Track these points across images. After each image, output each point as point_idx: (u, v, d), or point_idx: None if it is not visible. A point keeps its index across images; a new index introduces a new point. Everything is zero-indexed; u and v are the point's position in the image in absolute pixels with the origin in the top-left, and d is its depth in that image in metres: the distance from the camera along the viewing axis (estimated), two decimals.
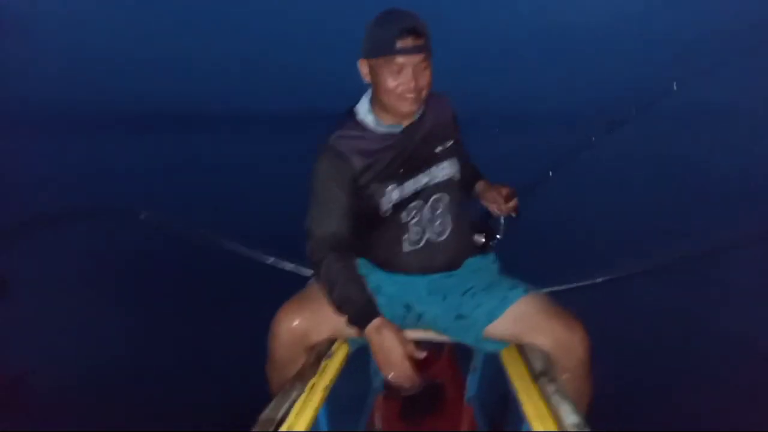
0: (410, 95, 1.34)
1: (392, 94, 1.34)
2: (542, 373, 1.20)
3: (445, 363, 1.85)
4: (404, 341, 1.24)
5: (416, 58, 1.30)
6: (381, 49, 1.30)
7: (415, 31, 1.28)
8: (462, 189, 1.60)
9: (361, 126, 1.43)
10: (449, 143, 1.50)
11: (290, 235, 1.62)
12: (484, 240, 1.68)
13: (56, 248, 3.81)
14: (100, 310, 2.97)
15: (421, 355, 1.24)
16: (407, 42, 1.28)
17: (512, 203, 1.61)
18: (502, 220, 1.70)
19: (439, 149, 1.47)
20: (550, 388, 1.14)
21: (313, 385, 1.21)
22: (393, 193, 1.42)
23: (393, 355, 1.22)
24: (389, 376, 1.23)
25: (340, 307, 1.29)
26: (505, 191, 1.61)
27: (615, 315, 2.81)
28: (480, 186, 1.68)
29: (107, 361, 2.45)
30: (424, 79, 1.35)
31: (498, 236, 1.70)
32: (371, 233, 1.47)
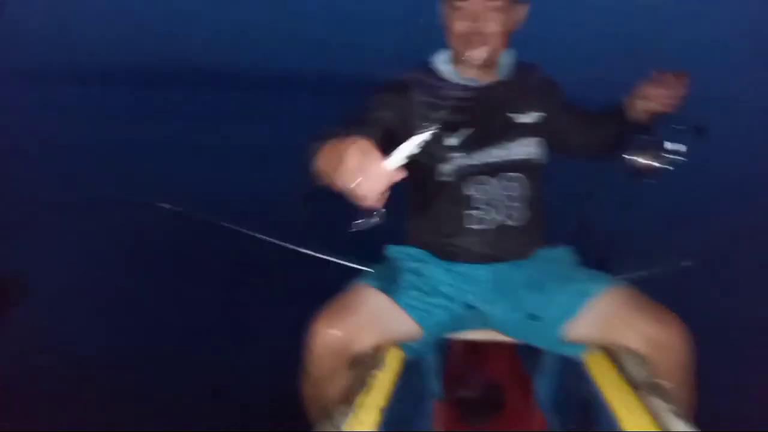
0: (475, 38, 1.23)
1: (457, 38, 1.26)
2: (647, 386, 1.00)
3: (506, 360, 1.66)
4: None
5: None
6: None
7: None
8: (609, 149, 1.35)
9: (433, 73, 1.33)
10: (536, 116, 1.34)
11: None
12: (652, 161, 1.25)
13: (69, 237, 3.73)
14: (121, 299, 2.88)
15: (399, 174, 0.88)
16: None
17: (676, 89, 1.21)
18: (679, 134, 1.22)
19: (522, 121, 1.31)
20: (659, 404, 0.94)
21: (365, 403, 1.02)
22: (456, 161, 1.27)
23: (368, 159, 0.85)
24: (355, 183, 0.85)
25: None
26: (663, 76, 1.24)
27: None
28: (629, 98, 1.33)
29: (127, 352, 2.35)
30: (493, 23, 1.23)
31: (669, 151, 1.24)
32: (430, 204, 1.32)
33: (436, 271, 1.30)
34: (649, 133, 1.29)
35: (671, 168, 1.26)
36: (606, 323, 1.14)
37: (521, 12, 1.30)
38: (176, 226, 2.61)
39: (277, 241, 1.92)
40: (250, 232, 1.97)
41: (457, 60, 1.32)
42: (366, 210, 0.90)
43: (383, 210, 0.90)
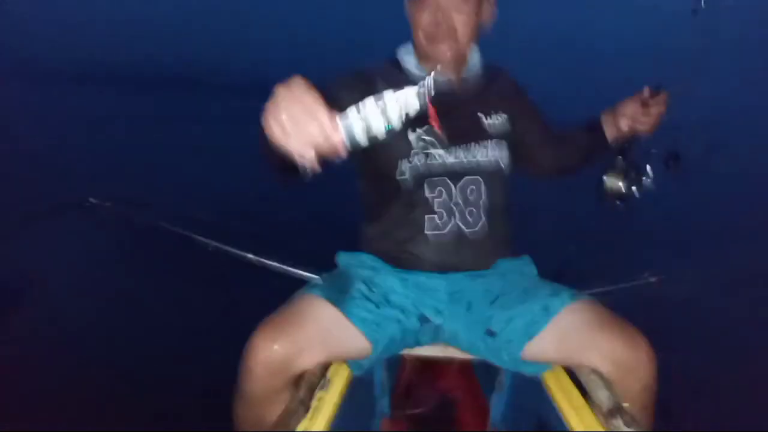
0: (441, 32, 1.14)
1: (422, 33, 1.18)
2: (609, 408, 0.96)
3: (460, 376, 1.57)
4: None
5: None
6: None
7: None
8: (586, 159, 1.35)
9: (397, 65, 1.25)
10: (503, 119, 1.27)
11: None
12: (624, 185, 1.24)
13: (69, 237, 3.72)
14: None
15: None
16: None
17: (657, 108, 1.20)
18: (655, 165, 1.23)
19: (488, 123, 1.25)
20: (621, 428, 0.91)
21: (307, 428, 0.94)
22: (415, 159, 1.18)
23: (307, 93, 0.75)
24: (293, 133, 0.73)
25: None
26: (643, 96, 1.23)
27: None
28: (605, 117, 1.32)
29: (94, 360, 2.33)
30: (461, 17, 1.14)
31: (647, 177, 1.24)
32: (384, 207, 1.24)
33: (389, 280, 1.21)
34: (624, 155, 1.28)
35: (643, 193, 1.25)
36: (568, 341, 1.08)
37: (490, 8, 1.22)
38: (176, 226, 2.61)
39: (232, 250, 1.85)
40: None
41: (421, 55, 1.23)
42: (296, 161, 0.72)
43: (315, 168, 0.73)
